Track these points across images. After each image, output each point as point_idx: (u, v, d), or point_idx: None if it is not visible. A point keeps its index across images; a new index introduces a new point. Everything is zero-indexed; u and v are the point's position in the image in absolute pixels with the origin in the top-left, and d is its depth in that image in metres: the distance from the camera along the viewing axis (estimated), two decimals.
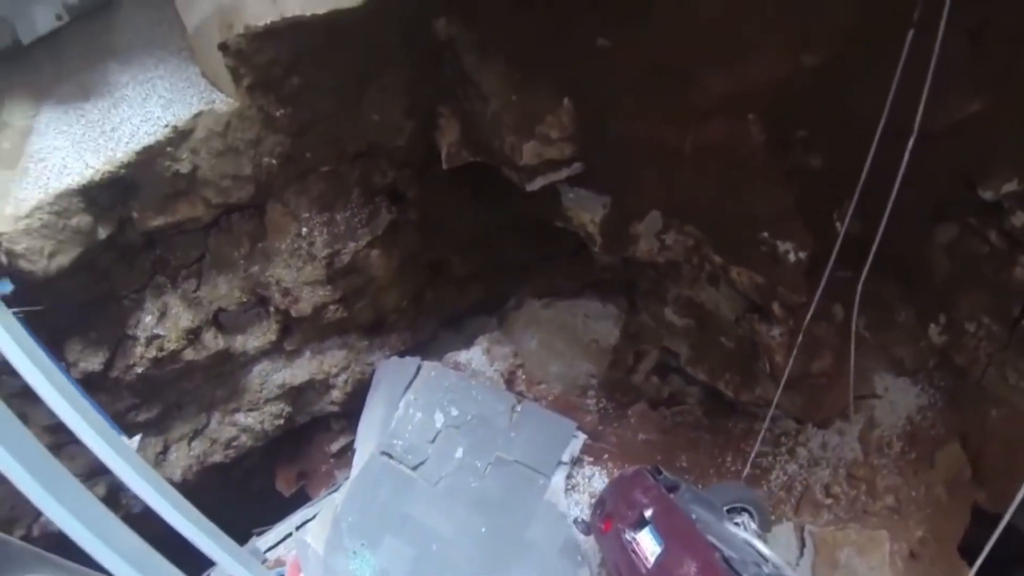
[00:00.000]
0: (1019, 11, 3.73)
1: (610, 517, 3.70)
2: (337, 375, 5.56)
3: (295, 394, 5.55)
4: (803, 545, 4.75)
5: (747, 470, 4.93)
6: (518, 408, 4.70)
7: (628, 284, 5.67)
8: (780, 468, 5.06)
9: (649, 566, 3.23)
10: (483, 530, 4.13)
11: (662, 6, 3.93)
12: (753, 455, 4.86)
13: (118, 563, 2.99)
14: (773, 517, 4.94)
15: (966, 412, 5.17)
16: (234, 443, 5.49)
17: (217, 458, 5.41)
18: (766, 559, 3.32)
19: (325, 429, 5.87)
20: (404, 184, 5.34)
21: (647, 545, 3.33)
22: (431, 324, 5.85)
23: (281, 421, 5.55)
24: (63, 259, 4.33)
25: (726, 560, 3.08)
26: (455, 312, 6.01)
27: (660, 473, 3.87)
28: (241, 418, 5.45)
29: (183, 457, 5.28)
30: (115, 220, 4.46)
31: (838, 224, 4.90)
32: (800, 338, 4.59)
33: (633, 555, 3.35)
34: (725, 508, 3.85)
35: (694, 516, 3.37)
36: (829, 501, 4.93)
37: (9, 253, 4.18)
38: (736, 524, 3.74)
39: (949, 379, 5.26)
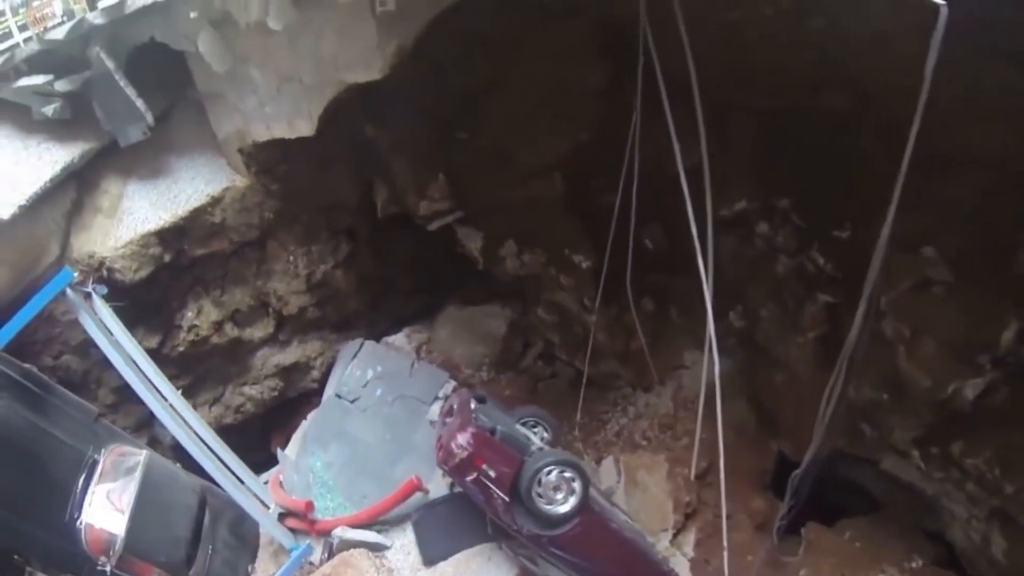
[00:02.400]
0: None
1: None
2: (316, 359, 8.99)
3: (286, 373, 8.99)
4: (619, 472, 7.71)
5: (587, 420, 7.91)
6: (416, 365, 7.97)
7: (519, 293, 8.88)
8: (615, 421, 8.03)
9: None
10: (388, 437, 7.32)
11: (492, 112, 7.32)
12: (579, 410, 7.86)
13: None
14: (604, 457, 7.88)
15: (756, 377, 7.98)
16: (241, 408, 8.96)
17: (229, 420, 8.87)
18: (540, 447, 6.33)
19: (307, 403, 9.22)
20: (357, 226, 8.83)
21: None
22: (384, 323, 9.21)
23: (276, 393, 8.98)
24: (142, 273, 7.88)
25: (491, 431, 6.15)
26: (403, 315, 9.36)
27: (483, 400, 6.97)
28: (247, 390, 8.93)
29: (205, 417, 8.70)
30: (174, 251, 8.02)
31: (647, 241, 7.98)
32: (595, 319, 7.58)
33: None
34: (521, 420, 6.90)
35: (484, 417, 6.42)
36: (644, 443, 7.88)
37: (109, 269, 7.75)
38: (523, 425, 6.77)
39: (744, 352, 8.10)
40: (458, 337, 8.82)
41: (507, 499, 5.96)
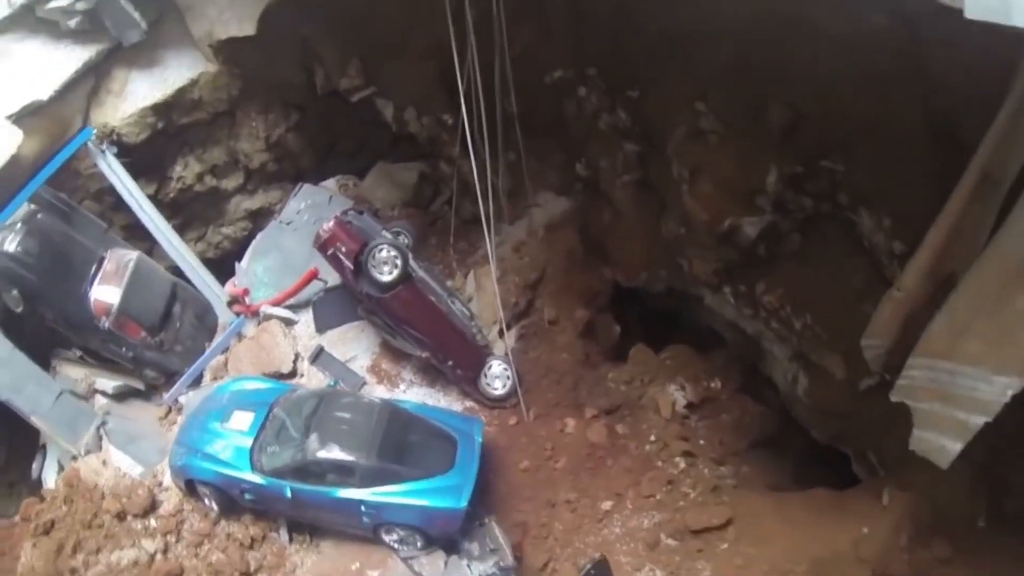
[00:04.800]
0: None
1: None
2: (276, 204, 12.96)
3: (253, 215, 13.07)
4: (475, 283, 11.14)
5: (465, 246, 11.37)
6: (332, 198, 11.75)
7: (432, 152, 12.36)
8: (484, 247, 11.42)
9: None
10: (307, 248, 10.95)
11: (393, 9, 10.77)
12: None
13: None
14: (472, 275, 11.32)
15: (590, 215, 11.20)
16: (220, 245, 13.13)
17: (210, 255, 13.03)
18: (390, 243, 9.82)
19: None
20: (304, 101, 12.62)
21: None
22: (330, 177, 12.99)
23: (246, 232, 13.04)
24: (142, 137, 12.03)
25: (348, 222, 9.81)
26: (346, 172, 13.11)
27: (362, 212, 10.63)
28: (224, 229, 13.10)
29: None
30: (165, 120, 12.11)
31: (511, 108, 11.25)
32: (471, 168, 10.90)
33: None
34: (391, 228, 10.49)
35: (355, 221, 10.09)
36: (502, 262, 11.26)
37: (118, 134, 11.91)
38: (390, 232, 10.32)
39: (586, 195, 11.31)
40: (380, 184, 12.55)
41: (352, 268, 9.61)
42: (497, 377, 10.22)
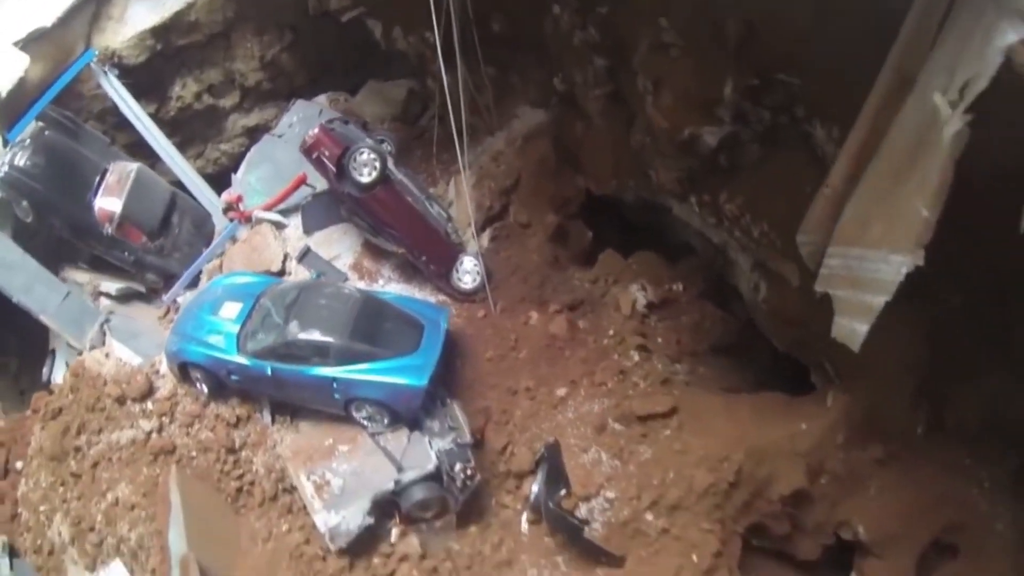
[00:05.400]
0: None
1: None
2: (271, 121, 13.90)
3: (249, 132, 14.07)
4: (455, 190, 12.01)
5: (449, 157, 12.15)
6: (323, 111, 12.64)
7: (420, 69, 13.17)
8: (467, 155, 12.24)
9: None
10: (296, 156, 11.83)
11: None
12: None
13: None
14: (453, 182, 12.20)
15: (563, 125, 11.97)
16: (218, 161, 14.16)
17: (209, 171, 14.04)
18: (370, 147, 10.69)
19: None
20: (298, 21, 13.48)
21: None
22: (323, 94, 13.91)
23: (243, 148, 14.01)
24: (141, 59, 13.01)
25: (332, 129, 10.72)
26: (339, 89, 13.98)
27: (347, 122, 11.53)
28: (222, 146, 14.11)
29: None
30: (164, 42, 13.05)
31: (495, 25, 11.96)
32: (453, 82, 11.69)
33: None
34: (375, 136, 11.37)
35: (339, 129, 10.98)
36: (480, 169, 12.11)
37: (119, 57, 12.88)
38: (374, 139, 11.20)
39: (562, 109, 12.06)
40: (370, 100, 13.48)
41: (335, 170, 10.53)
42: (468, 272, 11.15)
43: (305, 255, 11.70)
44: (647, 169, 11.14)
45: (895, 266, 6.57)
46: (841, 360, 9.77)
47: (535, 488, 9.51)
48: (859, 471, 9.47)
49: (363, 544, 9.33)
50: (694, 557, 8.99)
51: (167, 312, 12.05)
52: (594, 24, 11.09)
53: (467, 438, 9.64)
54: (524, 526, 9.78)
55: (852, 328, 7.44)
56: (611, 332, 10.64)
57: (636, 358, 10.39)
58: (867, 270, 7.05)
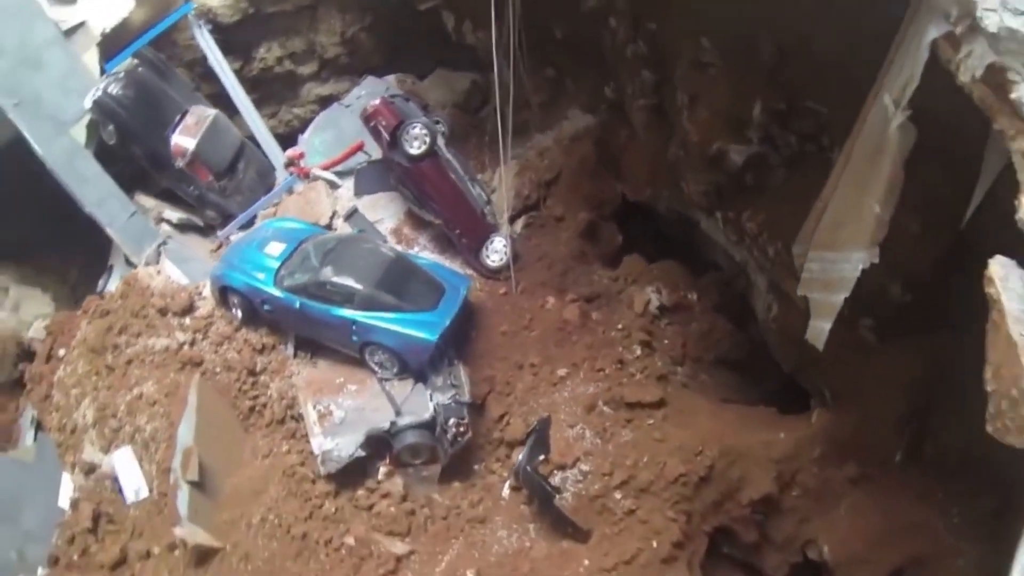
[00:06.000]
0: None
1: None
2: (343, 93, 15.19)
3: (322, 100, 15.39)
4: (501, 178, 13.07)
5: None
6: (390, 89, 13.84)
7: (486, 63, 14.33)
8: (517, 149, 13.32)
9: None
10: (360, 125, 13.06)
11: None
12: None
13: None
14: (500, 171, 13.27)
15: (608, 130, 12.98)
16: (290, 123, 15.50)
17: (280, 130, 15.38)
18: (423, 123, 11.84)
19: None
20: (378, 6, 14.76)
21: None
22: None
23: (313, 115, 15.32)
24: (234, 19, 14.46)
25: (392, 102, 11.92)
26: (412, 72, 15.22)
27: (408, 99, 12.72)
28: (295, 110, 15.46)
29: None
30: (256, 6, 14.47)
31: (556, 31, 13.09)
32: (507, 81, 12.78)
33: None
34: (432, 118, 12.52)
35: (399, 104, 12.18)
36: (525, 162, 13.17)
37: (214, 14, 14.30)
38: (430, 119, 12.35)
39: (609, 115, 13.08)
40: (436, 86, 14.70)
41: (389, 140, 11.69)
42: (496, 252, 12.16)
43: (352, 215, 12.87)
44: (679, 181, 12.03)
45: (855, 263, 7.35)
46: (838, 383, 10.44)
47: (521, 456, 10.36)
48: (831, 488, 10.06)
49: (351, 476, 10.32)
50: (654, 543, 9.68)
51: (219, 247, 13.29)
52: (644, 39, 12.12)
53: (466, 397, 10.55)
54: (505, 492, 10.62)
55: (820, 328, 8.20)
56: (620, 326, 11.46)
57: (638, 352, 11.20)
58: (835, 271, 7.83)
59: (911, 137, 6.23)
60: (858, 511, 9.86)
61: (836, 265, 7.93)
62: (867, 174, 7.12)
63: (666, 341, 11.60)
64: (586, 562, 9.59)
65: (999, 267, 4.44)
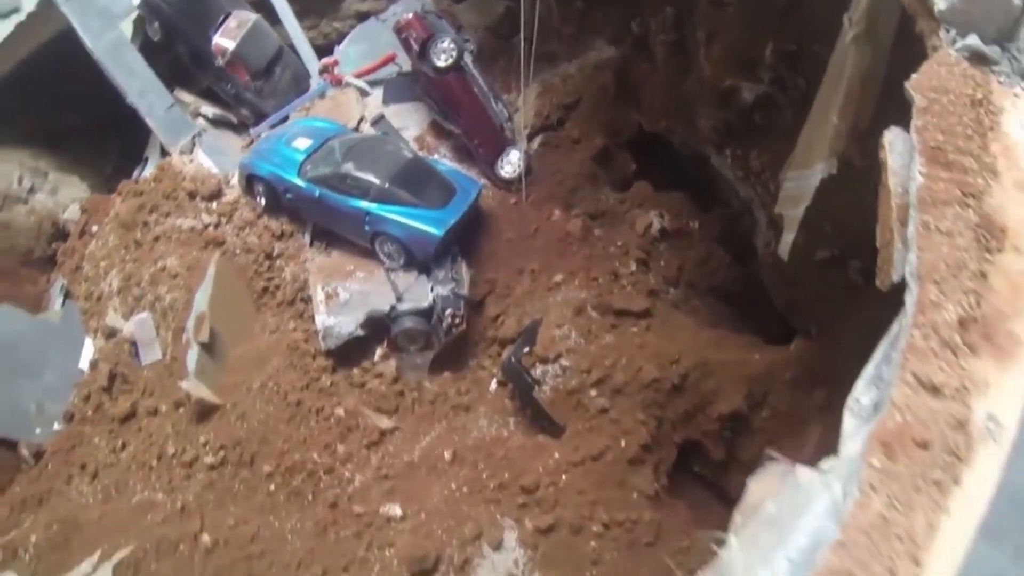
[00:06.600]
0: None
1: None
2: (381, 11, 16.00)
3: (360, 16, 16.24)
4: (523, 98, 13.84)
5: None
6: (425, 6, 14.60)
7: None
8: (545, 75, 14.06)
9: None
10: (390, 37, 13.96)
11: None
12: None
13: None
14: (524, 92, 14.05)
15: (630, 62, 13.65)
16: (328, 35, 16.42)
17: (319, 42, 16.26)
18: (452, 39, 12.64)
19: None
20: None
21: None
22: None
23: (351, 29, 16.18)
24: None
25: (424, 17, 12.73)
26: None
27: (441, 17, 13.50)
28: (335, 23, 16.39)
29: None
30: None
31: None
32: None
33: None
34: (462, 35, 13.30)
35: (431, 19, 12.98)
36: (549, 84, 13.92)
37: None
38: (459, 33, 13.13)
39: (633, 49, 13.74)
40: (471, 10, 15.62)
41: (418, 52, 12.51)
42: (511, 164, 12.95)
43: (378, 121, 13.77)
44: (693, 116, 12.67)
45: (817, 175, 8.02)
46: (824, 322, 11.03)
47: (509, 351, 11.22)
48: (800, 413, 10.66)
49: (348, 355, 11.32)
50: (623, 443, 10.35)
51: (250, 143, 14.29)
52: None
53: (464, 291, 11.45)
54: (493, 386, 11.50)
55: (786, 241, 8.90)
56: (619, 243, 12.19)
57: (633, 268, 11.92)
58: (803, 187, 8.50)
59: (866, 53, 6.87)
60: (823, 437, 10.48)
61: (806, 181, 8.59)
62: (831, 91, 7.77)
63: (662, 263, 12.28)
64: (556, 455, 10.32)
65: (889, 134, 5.11)
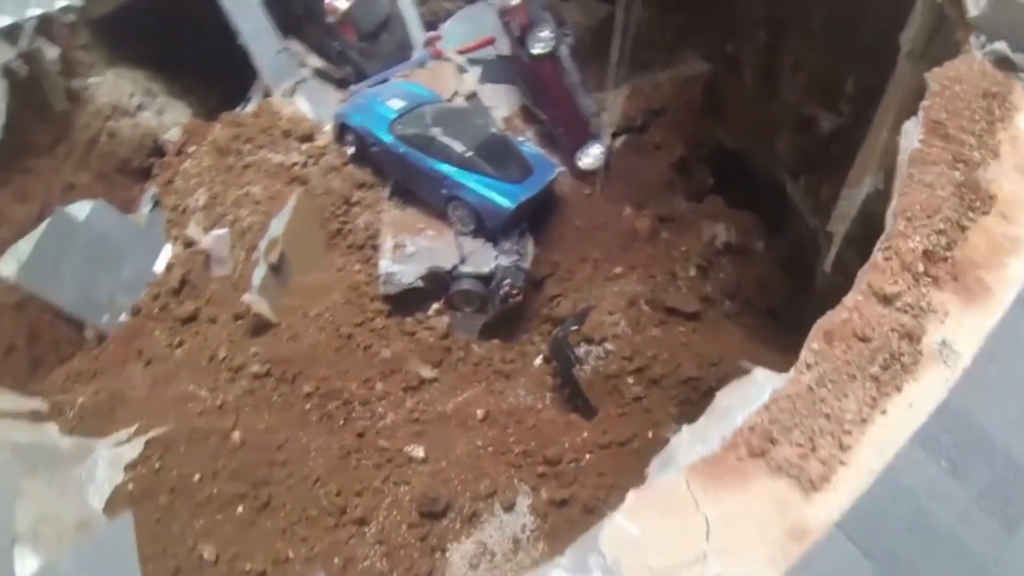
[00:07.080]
0: None
1: None
2: None
3: None
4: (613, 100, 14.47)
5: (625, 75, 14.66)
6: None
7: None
8: (638, 78, 14.66)
9: None
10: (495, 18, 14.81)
11: None
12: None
13: None
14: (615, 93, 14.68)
15: (719, 80, 14.21)
16: (437, 12, 17.19)
17: (428, 18, 17.08)
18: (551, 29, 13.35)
19: None
20: None
21: None
22: None
23: (460, 8, 17.00)
24: None
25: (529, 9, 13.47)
26: None
27: (545, 8, 14.23)
28: (444, 3, 17.17)
29: None
30: None
31: None
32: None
33: None
34: (562, 29, 14.00)
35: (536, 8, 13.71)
36: (640, 89, 14.53)
37: None
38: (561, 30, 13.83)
39: (724, 67, 14.28)
40: (576, 9, 16.18)
41: (518, 36, 13.26)
42: (591, 156, 13.55)
43: (471, 97, 14.51)
44: (773, 139, 13.17)
45: (864, 189, 8.46)
46: None
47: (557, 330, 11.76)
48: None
49: (405, 304, 12.03)
50: (650, 433, 10.76)
51: (348, 98, 15.15)
52: (764, 2, 13.24)
53: (526, 265, 12.03)
54: (538, 361, 12.07)
55: (830, 256, 9.35)
56: (683, 248, 12.69)
57: (692, 273, 12.40)
58: (851, 204, 8.99)
59: (920, 69, 7.30)
60: None
61: (856, 198, 9.05)
62: (887, 108, 8.25)
63: (722, 275, 12.72)
64: (585, 434, 10.78)
65: (908, 123, 5.64)
